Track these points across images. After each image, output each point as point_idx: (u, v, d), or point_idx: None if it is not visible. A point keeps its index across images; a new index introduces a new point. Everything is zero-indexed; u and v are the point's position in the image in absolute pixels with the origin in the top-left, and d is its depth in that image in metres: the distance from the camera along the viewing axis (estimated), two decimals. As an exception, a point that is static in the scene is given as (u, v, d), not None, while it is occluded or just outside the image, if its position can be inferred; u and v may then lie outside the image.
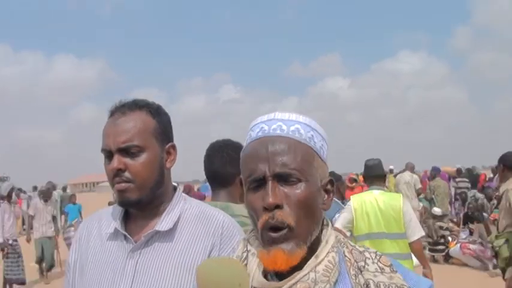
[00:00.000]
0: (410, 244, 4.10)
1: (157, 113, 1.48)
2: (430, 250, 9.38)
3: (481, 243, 8.80)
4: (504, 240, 4.50)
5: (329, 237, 1.07)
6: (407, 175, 11.42)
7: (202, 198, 9.68)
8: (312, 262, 1.02)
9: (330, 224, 1.12)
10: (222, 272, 1.03)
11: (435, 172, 11.97)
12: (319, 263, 1.02)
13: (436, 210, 10.03)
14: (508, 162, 4.72)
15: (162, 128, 1.48)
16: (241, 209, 2.09)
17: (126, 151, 1.40)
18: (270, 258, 1.00)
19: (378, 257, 1.08)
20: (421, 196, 11.57)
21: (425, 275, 4.33)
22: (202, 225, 1.45)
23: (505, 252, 4.51)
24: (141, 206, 1.44)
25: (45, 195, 9.54)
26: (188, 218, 1.47)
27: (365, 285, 1.02)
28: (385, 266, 1.06)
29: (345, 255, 1.07)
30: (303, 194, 1.01)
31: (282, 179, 1.02)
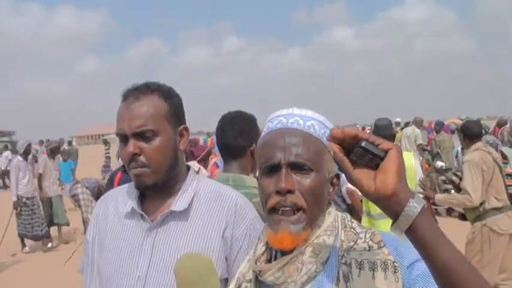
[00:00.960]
0: None
1: (169, 96, 1.50)
2: (432, 204, 9.42)
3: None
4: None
5: (323, 222, 1.16)
6: (409, 129, 11.35)
7: (205, 149, 9.66)
8: (301, 245, 1.12)
9: (331, 210, 1.20)
10: (189, 265, 1.17)
11: (439, 126, 11.90)
12: (308, 245, 1.12)
13: (439, 164, 10.01)
14: (467, 132, 4.66)
15: (174, 110, 1.51)
16: (252, 180, 2.13)
17: (140, 135, 1.43)
18: (277, 239, 1.10)
19: (371, 236, 1.13)
20: (427, 150, 11.51)
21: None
22: (216, 204, 1.51)
23: (469, 212, 4.58)
24: (157, 188, 1.48)
25: (54, 152, 9.29)
26: (202, 197, 1.53)
27: (348, 264, 1.08)
28: (374, 243, 1.11)
29: (340, 238, 1.14)
30: (313, 182, 1.12)
31: (295, 167, 1.13)
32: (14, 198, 8.32)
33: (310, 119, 1.19)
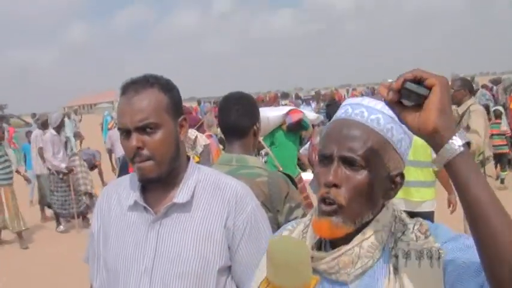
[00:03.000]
0: (436, 172, 4.22)
1: (168, 88, 1.52)
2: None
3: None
4: None
5: (382, 218, 1.14)
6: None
7: (197, 121, 9.65)
8: (358, 238, 1.11)
9: (389, 205, 1.17)
10: (286, 249, 1.13)
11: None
12: (366, 239, 1.10)
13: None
14: (470, 87, 4.80)
15: (174, 102, 1.52)
16: (255, 160, 2.20)
17: (143, 129, 1.44)
18: (317, 226, 1.12)
19: (418, 226, 1.12)
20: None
21: (449, 201, 4.58)
22: (217, 194, 1.54)
23: None
24: (160, 180, 1.50)
25: (45, 125, 8.82)
26: (203, 188, 1.55)
27: (396, 256, 1.08)
28: (421, 233, 1.11)
29: (391, 231, 1.13)
30: (362, 180, 1.08)
31: (347, 162, 1.09)
32: (63, 165, 7.98)
33: (377, 112, 1.13)
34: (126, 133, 1.46)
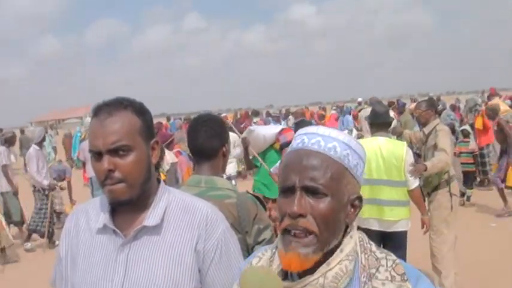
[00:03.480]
0: (410, 192, 4.25)
1: (141, 111, 1.52)
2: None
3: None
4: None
5: (346, 246, 1.15)
6: (368, 110, 11.48)
7: (168, 137, 9.60)
8: (323, 268, 1.12)
9: (353, 233, 1.19)
10: (258, 280, 1.13)
11: (401, 107, 12.15)
12: (330, 269, 1.12)
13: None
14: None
15: (146, 125, 1.52)
16: (224, 182, 2.21)
17: (115, 151, 1.44)
18: (286, 261, 1.12)
19: (393, 265, 1.14)
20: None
21: (422, 221, 4.59)
22: (187, 218, 1.53)
23: (434, 181, 4.90)
24: (131, 203, 1.49)
25: (10, 142, 8.63)
26: (173, 211, 1.54)
27: None
28: (397, 274, 1.12)
29: (361, 262, 1.14)
30: (326, 207, 1.11)
31: (310, 191, 1.11)
32: (46, 182, 7.87)
33: (332, 140, 1.16)
34: (97, 155, 1.45)
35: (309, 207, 1.11)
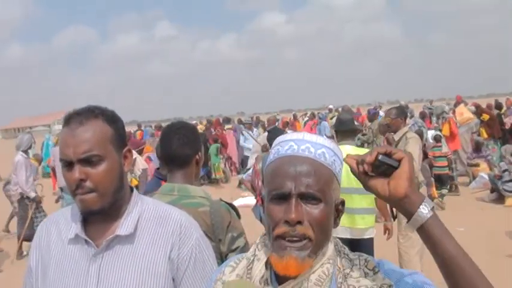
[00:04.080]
0: (376, 198, 4.23)
1: (113, 120, 1.51)
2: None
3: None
4: None
5: (327, 251, 1.18)
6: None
7: (140, 144, 9.53)
8: (306, 272, 1.13)
9: (333, 240, 1.22)
10: None
11: (372, 115, 12.26)
12: (313, 272, 1.14)
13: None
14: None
15: (118, 133, 1.52)
16: (197, 190, 2.20)
17: (86, 161, 1.42)
18: (282, 264, 1.11)
19: (365, 263, 1.18)
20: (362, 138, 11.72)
21: (385, 227, 4.65)
22: (161, 226, 1.53)
23: None
24: (103, 212, 1.47)
25: None
26: (147, 219, 1.54)
27: None
28: (369, 270, 1.17)
29: (337, 265, 1.17)
30: (322, 213, 1.13)
31: (305, 197, 1.13)
32: (33, 194, 7.58)
33: (321, 147, 1.18)
34: (68, 164, 1.43)
35: (305, 213, 1.12)
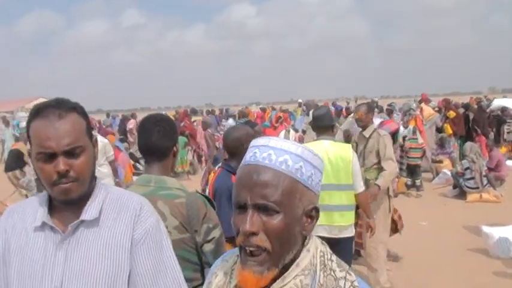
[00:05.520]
0: (356, 195, 4.15)
1: (83, 112, 1.59)
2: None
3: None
4: (376, 173, 5.04)
5: (302, 261, 1.15)
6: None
7: (108, 133, 9.43)
8: (277, 284, 1.13)
9: (311, 247, 1.19)
10: None
11: (339, 111, 12.37)
12: (285, 285, 1.12)
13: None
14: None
15: (88, 125, 1.59)
16: (173, 181, 2.25)
17: (70, 152, 1.49)
18: (242, 278, 1.12)
19: (351, 286, 1.14)
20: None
21: (368, 224, 4.46)
22: (123, 210, 1.60)
23: (373, 183, 4.96)
24: (80, 200, 1.54)
25: None
26: (110, 205, 1.61)
27: None
28: None
29: (319, 281, 1.13)
30: (279, 224, 1.10)
31: (261, 209, 1.10)
32: None
33: (284, 153, 1.14)
34: (48, 156, 1.48)
35: (261, 224, 1.10)
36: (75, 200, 1.52)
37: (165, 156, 2.28)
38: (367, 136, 5.16)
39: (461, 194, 9.60)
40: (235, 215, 1.14)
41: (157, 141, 2.25)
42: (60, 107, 1.52)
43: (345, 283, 1.14)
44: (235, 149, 3.40)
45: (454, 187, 9.90)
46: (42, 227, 1.53)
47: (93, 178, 1.60)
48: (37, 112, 1.51)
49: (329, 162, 4.03)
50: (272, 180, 1.11)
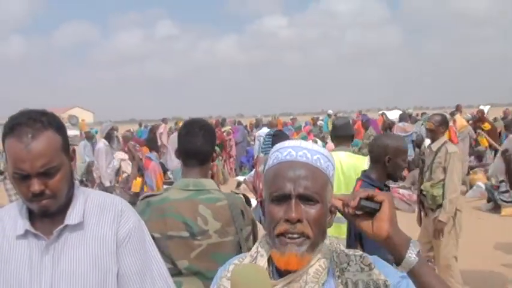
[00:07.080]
0: None
1: (59, 127, 1.54)
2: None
3: (410, 189, 9.50)
4: (443, 190, 4.79)
5: (322, 248, 1.28)
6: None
7: (141, 143, 9.54)
8: (305, 265, 1.24)
9: (327, 240, 1.33)
10: (247, 275, 1.20)
11: (366, 122, 12.11)
12: (311, 266, 1.25)
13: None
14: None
15: (65, 139, 1.56)
16: (211, 183, 2.29)
17: (44, 173, 1.46)
18: (284, 259, 1.21)
19: (360, 259, 1.29)
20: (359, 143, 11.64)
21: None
22: (105, 212, 1.62)
23: (439, 200, 4.81)
24: (59, 211, 1.55)
25: None
26: (92, 208, 1.62)
27: (345, 284, 1.24)
28: (365, 265, 1.28)
29: (334, 260, 1.28)
30: (318, 213, 1.24)
31: (303, 198, 1.23)
32: (107, 184, 7.47)
33: (316, 153, 1.29)
34: (23, 177, 1.46)
35: (304, 213, 1.23)
36: (54, 212, 1.53)
37: (206, 160, 2.32)
38: (435, 150, 4.90)
39: (496, 208, 9.30)
40: (273, 206, 1.25)
41: (202, 145, 2.28)
42: (33, 125, 1.46)
43: (355, 257, 1.29)
44: (378, 156, 3.11)
45: (489, 201, 9.59)
46: (25, 235, 1.53)
47: (72, 187, 1.59)
48: (11, 129, 1.46)
49: (342, 174, 4.01)
50: (312, 174, 1.25)
